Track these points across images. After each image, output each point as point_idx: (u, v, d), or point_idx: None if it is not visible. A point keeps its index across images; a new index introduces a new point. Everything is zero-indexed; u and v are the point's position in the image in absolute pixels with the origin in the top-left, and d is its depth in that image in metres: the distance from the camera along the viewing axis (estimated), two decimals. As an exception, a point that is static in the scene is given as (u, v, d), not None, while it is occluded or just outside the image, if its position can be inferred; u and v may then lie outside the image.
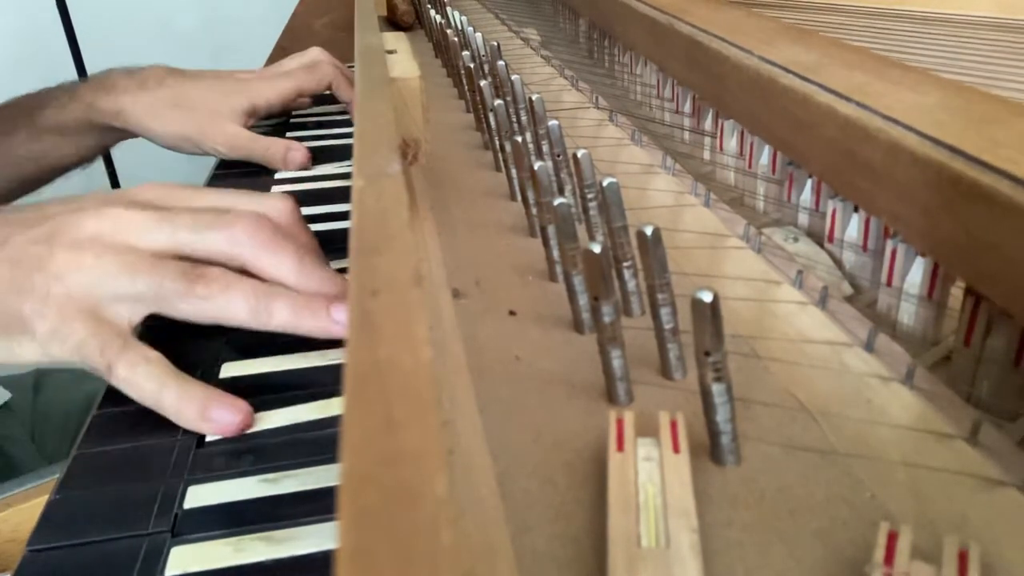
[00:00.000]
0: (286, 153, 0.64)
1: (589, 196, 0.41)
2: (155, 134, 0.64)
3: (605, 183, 0.35)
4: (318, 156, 0.69)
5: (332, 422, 0.36)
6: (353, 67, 0.91)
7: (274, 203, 0.41)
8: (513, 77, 0.52)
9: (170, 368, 0.36)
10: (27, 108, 0.66)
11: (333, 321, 0.37)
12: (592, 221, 0.41)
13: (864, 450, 0.29)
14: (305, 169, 0.65)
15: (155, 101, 0.63)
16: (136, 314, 0.36)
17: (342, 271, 0.41)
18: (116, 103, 0.63)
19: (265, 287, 0.37)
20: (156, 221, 0.37)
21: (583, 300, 0.36)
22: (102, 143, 0.69)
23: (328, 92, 0.73)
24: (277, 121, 0.78)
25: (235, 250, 0.37)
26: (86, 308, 0.35)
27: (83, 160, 0.71)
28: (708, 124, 0.55)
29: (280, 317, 0.37)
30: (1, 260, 0.35)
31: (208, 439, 0.36)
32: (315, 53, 0.73)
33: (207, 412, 0.35)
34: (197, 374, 0.40)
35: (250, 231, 0.37)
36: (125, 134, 0.67)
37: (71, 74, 1.66)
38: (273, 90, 0.66)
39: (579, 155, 0.39)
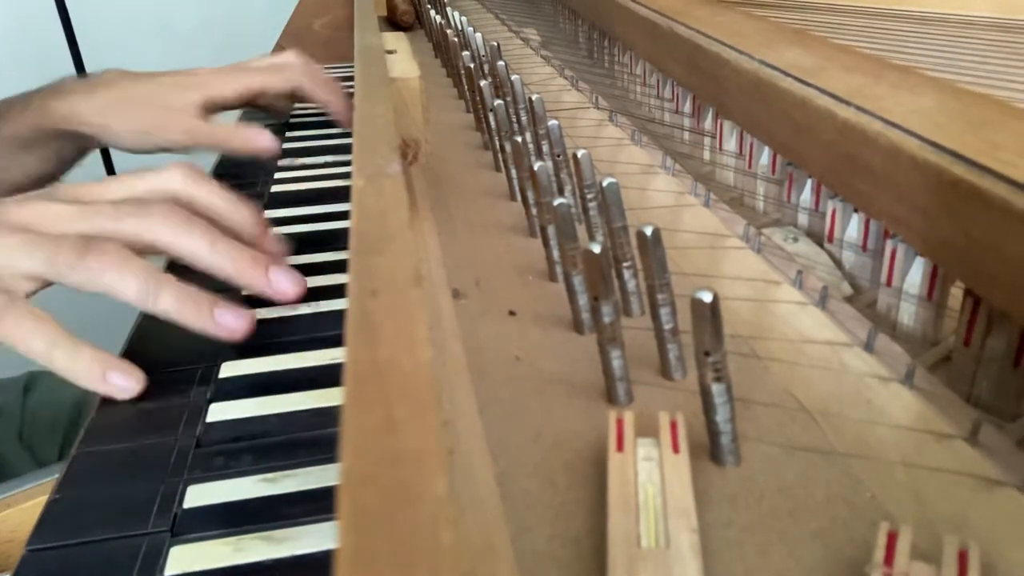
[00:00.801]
0: (249, 136, 0.61)
1: (589, 196, 0.41)
2: (111, 132, 0.62)
3: (605, 183, 0.35)
4: (319, 153, 0.69)
5: (332, 421, 0.36)
6: (330, 68, 0.91)
7: (176, 173, 0.43)
8: (513, 77, 0.52)
9: (61, 329, 0.38)
10: None
11: (215, 322, 0.39)
12: (592, 221, 0.41)
13: (864, 450, 0.29)
14: (274, 156, 0.63)
15: (108, 100, 0.61)
16: (32, 285, 0.39)
17: (340, 269, 0.41)
18: (68, 105, 0.61)
19: (158, 274, 0.39)
20: (77, 212, 0.40)
21: (583, 300, 0.36)
22: (61, 153, 0.66)
23: (299, 95, 0.70)
24: (277, 122, 0.78)
25: (151, 237, 0.40)
26: None
27: (48, 174, 0.67)
28: (708, 124, 0.55)
29: (164, 304, 0.39)
30: None
31: (208, 439, 0.36)
32: (287, 55, 0.70)
33: (108, 374, 0.38)
34: (197, 373, 0.40)
35: (163, 216, 0.40)
36: (84, 141, 0.64)
37: (70, 74, 1.66)
38: (229, 85, 0.64)
39: (579, 155, 0.39)
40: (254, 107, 0.72)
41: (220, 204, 0.43)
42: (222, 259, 0.40)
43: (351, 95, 0.64)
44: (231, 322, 0.39)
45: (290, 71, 0.67)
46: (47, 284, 0.39)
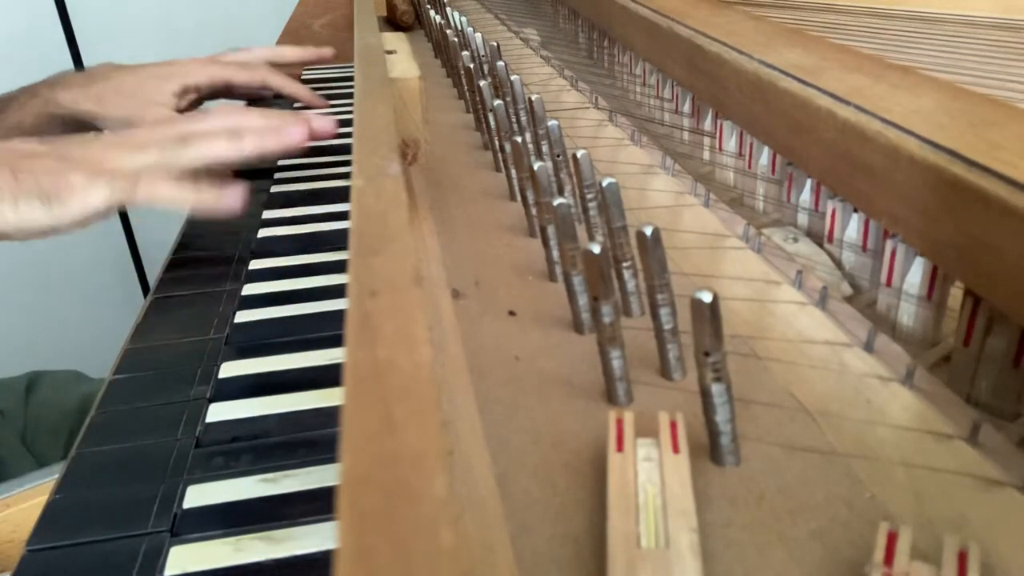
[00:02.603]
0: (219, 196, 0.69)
1: (589, 196, 0.41)
2: (104, 120, 0.69)
3: (605, 183, 0.35)
4: (319, 152, 0.69)
5: (332, 421, 0.36)
6: (330, 69, 0.92)
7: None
8: (513, 77, 0.52)
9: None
10: None
11: (288, 134, 0.52)
12: (592, 221, 0.41)
13: (864, 450, 0.29)
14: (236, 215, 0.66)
15: (103, 91, 0.69)
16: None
17: (340, 269, 0.42)
18: (70, 95, 0.69)
19: (238, 124, 0.51)
20: (164, 122, 0.53)
21: (583, 300, 0.36)
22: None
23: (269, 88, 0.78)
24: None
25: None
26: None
27: None
28: (708, 124, 0.55)
29: (249, 144, 0.50)
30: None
31: (208, 439, 0.36)
32: (254, 52, 0.79)
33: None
34: (197, 373, 0.40)
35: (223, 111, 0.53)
36: (83, 128, 0.70)
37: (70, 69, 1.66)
38: (203, 73, 0.73)
39: (578, 155, 0.39)
40: (231, 97, 0.79)
41: (265, 123, 0.52)
42: (275, 120, 0.52)
43: (351, 95, 0.65)
44: (296, 131, 0.52)
45: (257, 70, 0.76)
46: (162, 170, 0.48)
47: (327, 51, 0.82)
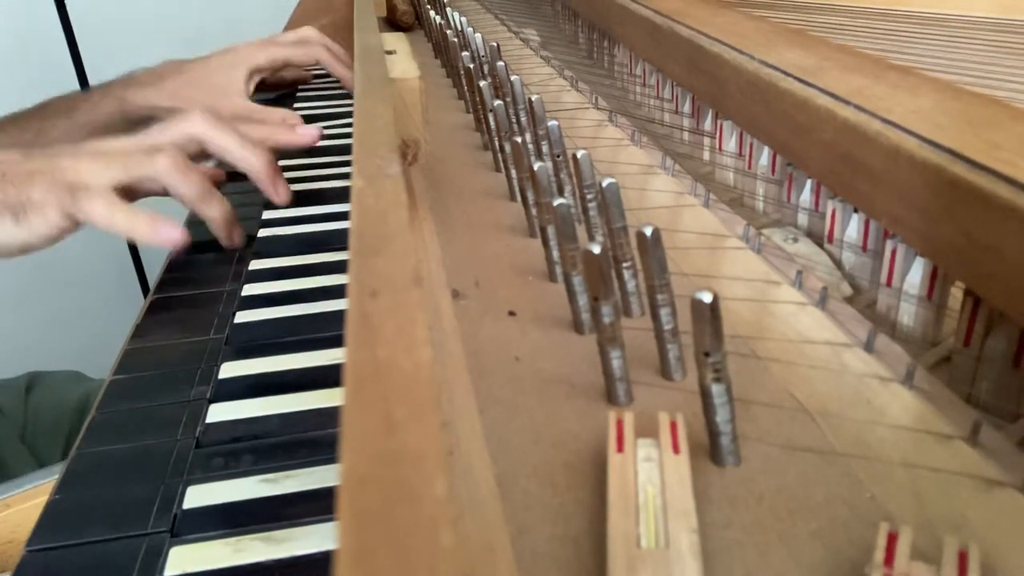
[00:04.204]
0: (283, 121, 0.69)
1: (589, 197, 0.41)
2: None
3: (604, 184, 0.35)
4: (319, 153, 0.69)
5: (332, 421, 0.36)
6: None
7: (195, 118, 0.53)
8: (513, 78, 0.52)
9: (123, 201, 0.47)
10: (63, 107, 0.72)
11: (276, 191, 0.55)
12: (592, 222, 0.41)
13: (864, 451, 0.29)
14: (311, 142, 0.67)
15: (175, 87, 0.71)
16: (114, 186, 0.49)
17: (340, 269, 0.42)
18: (143, 94, 0.70)
19: (210, 185, 0.51)
20: (136, 140, 0.52)
21: (583, 301, 0.36)
22: None
23: (319, 69, 0.81)
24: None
25: (194, 134, 0.53)
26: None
27: None
28: (708, 125, 0.55)
29: (213, 211, 0.51)
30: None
31: (208, 439, 0.36)
32: (306, 31, 0.80)
33: (158, 228, 0.47)
34: (197, 373, 0.40)
35: (202, 118, 0.53)
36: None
37: (69, 74, 1.66)
38: (264, 55, 0.74)
39: (578, 156, 0.39)
40: (272, 83, 0.82)
41: (231, 148, 0.53)
42: (250, 153, 0.53)
43: (351, 95, 0.65)
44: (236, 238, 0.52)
45: (312, 46, 0.78)
46: (123, 186, 0.48)
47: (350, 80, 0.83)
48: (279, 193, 0.55)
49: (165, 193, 0.50)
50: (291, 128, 0.60)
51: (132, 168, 0.48)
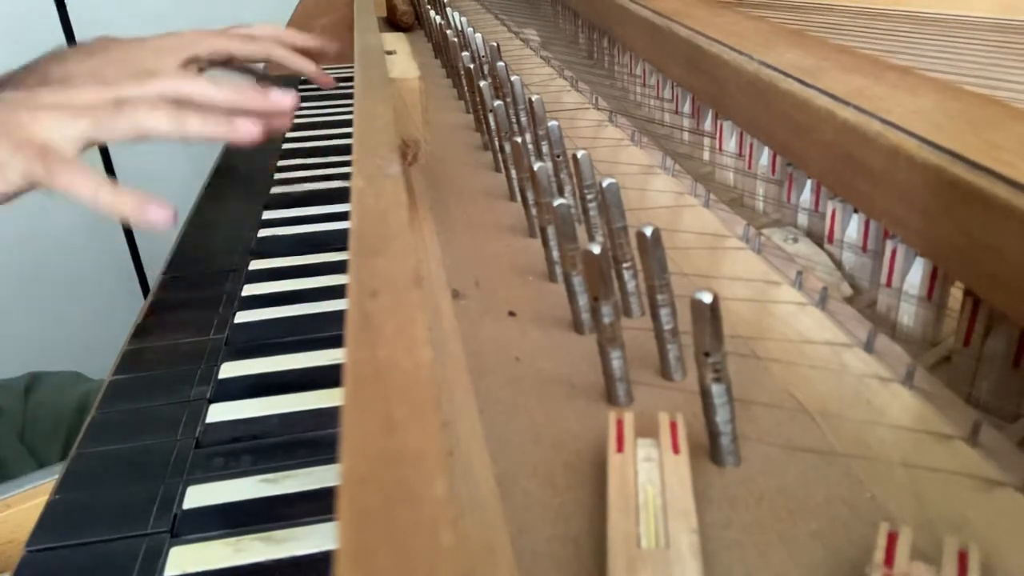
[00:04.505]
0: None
1: (589, 197, 0.41)
2: None
3: (605, 184, 0.35)
4: (319, 153, 0.69)
5: (332, 421, 0.36)
6: (330, 69, 0.92)
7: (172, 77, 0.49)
8: (513, 78, 0.52)
9: (106, 178, 0.44)
10: None
11: (236, 128, 0.46)
12: (592, 222, 0.41)
13: (864, 451, 0.29)
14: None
15: (100, 62, 0.67)
16: (79, 145, 0.45)
17: (340, 269, 0.42)
18: (64, 69, 0.66)
19: (180, 108, 0.46)
20: (103, 88, 0.47)
21: (583, 301, 0.36)
22: None
23: (271, 64, 0.75)
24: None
25: (167, 88, 0.47)
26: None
27: None
28: (708, 125, 0.55)
29: (193, 125, 0.45)
30: None
31: (208, 440, 0.36)
32: (261, 26, 0.76)
33: (146, 207, 0.43)
34: (197, 374, 0.40)
35: (174, 73, 0.50)
36: None
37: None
38: (204, 44, 0.70)
39: (578, 156, 0.39)
40: (230, 68, 0.76)
41: (215, 93, 0.48)
42: (227, 94, 0.48)
43: (351, 96, 0.65)
44: (250, 127, 0.45)
45: (263, 42, 0.72)
46: (91, 143, 0.45)
47: (332, 46, 0.78)
48: (258, 122, 0.47)
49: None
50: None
51: (100, 122, 0.44)
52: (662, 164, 0.50)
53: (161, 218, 0.43)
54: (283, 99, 0.49)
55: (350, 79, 0.89)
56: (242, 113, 0.47)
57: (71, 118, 0.44)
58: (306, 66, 0.73)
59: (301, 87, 0.93)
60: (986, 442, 0.26)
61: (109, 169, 1.73)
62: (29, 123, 0.43)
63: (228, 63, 0.73)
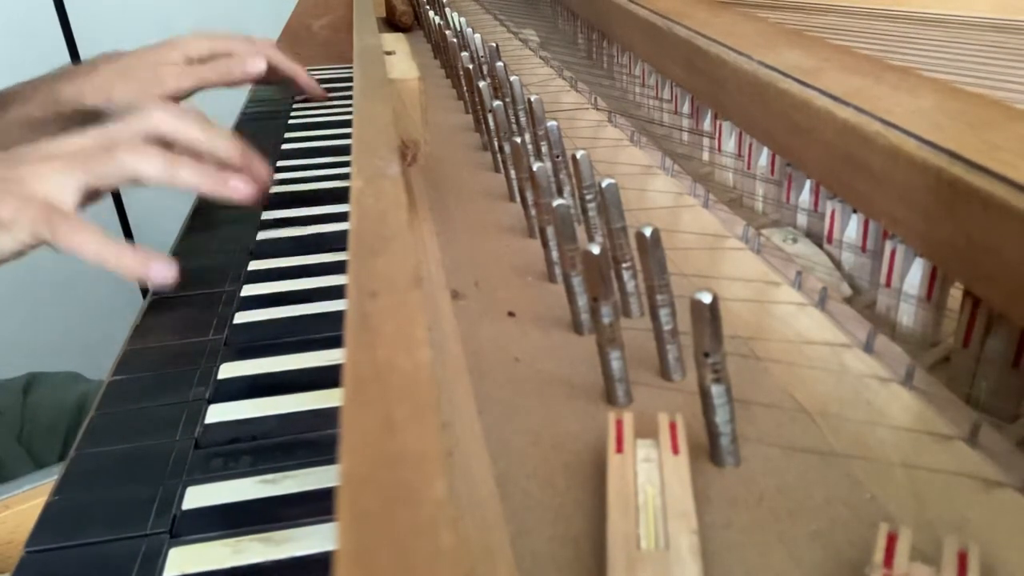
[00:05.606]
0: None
1: (588, 197, 0.41)
2: (112, 103, 0.67)
3: (604, 184, 0.35)
4: (318, 153, 0.69)
5: (331, 422, 0.36)
6: (329, 69, 0.91)
7: (154, 112, 0.50)
8: (512, 78, 0.52)
9: (109, 236, 0.44)
10: None
11: (228, 186, 0.47)
12: (591, 222, 0.41)
13: (863, 451, 0.29)
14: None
15: (107, 74, 0.68)
16: (77, 196, 0.46)
17: (340, 270, 0.42)
18: (74, 86, 0.68)
19: (174, 155, 0.47)
20: (92, 136, 0.48)
21: (582, 301, 0.36)
22: (68, 131, 0.71)
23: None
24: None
25: (156, 128, 0.48)
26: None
27: None
28: (707, 125, 0.55)
29: (184, 176, 0.46)
30: None
31: (207, 440, 0.36)
32: (259, 39, 0.76)
33: (150, 266, 0.44)
34: (196, 374, 0.40)
35: (163, 111, 0.49)
36: (89, 119, 0.68)
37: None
38: (204, 45, 0.71)
39: (578, 156, 0.39)
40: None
41: (199, 136, 0.49)
42: (215, 141, 0.49)
43: (351, 96, 0.65)
44: (242, 187, 0.47)
45: (259, 43, 0.73)
46: (91, 193, 0.46)
47: (320, 91, 0.80)
48: (250, 183, 0.48)
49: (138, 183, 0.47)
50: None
51: (94, 169, 0.45)
52: (661, 164, 0.50)
53: (163, 276, 0.44)
54: (260, 169, 0.50)
55: (349, 79, 0.89)
56: (225, 163, 0.49)
57: (68, 169, 0.45)
58: (301, 75, 0.75)
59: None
60: (986, 442, 0.26)
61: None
62: (30, 179, 0.45)
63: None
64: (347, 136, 0.76)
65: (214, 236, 0.56)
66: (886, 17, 0.77)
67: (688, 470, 0.27)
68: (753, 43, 0.46)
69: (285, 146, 0.73)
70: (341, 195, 0.61)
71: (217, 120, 0.55)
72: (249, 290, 0.48)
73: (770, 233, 0.44)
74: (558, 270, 0.41)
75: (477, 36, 0.61)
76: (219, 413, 0.37)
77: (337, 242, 0.53)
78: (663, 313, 0.32)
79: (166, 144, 0.48)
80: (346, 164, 0.68)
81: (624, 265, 0.37)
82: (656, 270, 0.32)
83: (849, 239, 0.40)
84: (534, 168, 0.38)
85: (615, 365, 0.32)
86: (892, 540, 0.24)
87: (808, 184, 0.44)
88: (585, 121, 0.61)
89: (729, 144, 0.52)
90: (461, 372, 0.34)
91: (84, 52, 1.74)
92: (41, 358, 1.00)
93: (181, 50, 0.70)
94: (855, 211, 0.40)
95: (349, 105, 0.80)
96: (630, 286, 0.38)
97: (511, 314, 0.39)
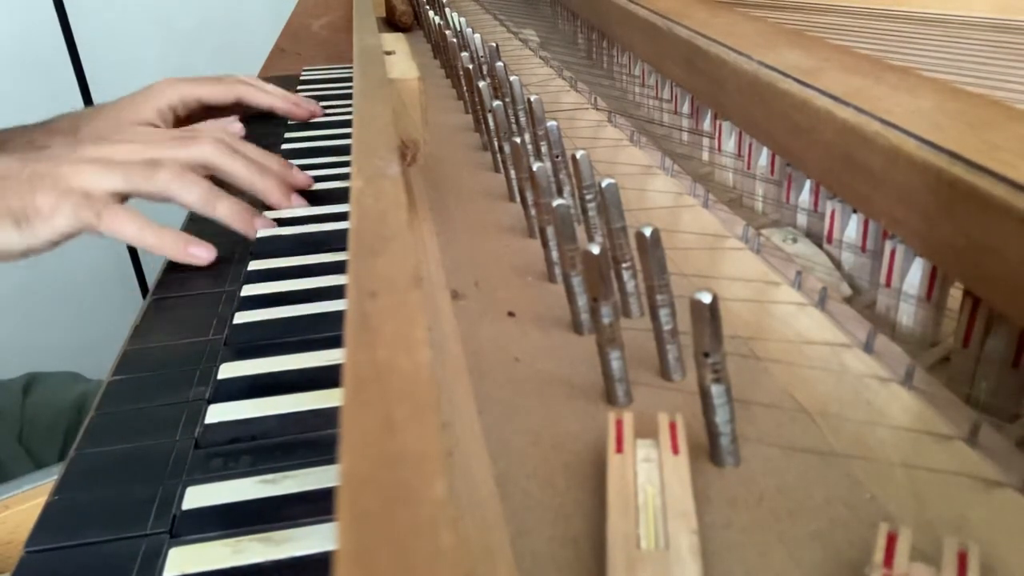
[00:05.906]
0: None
1: (588, 197, 0.41)
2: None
3: (604, 184, 0.35)
4: (318, 153, 0.69)
5: (331, 422, 0.36)
6: (329, 69, 0.91)
7: (207, 144, 0.53)
8: (512, 78, 0.52)
9: (148, 219, 0.48)
10: None
11: (255, 228, 0.52)
12: (591, 222, 0.41)
13: (863, 451, 0.29)
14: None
15: (87, 134, 0.66)
16: (115, 199, 0.49)
17: (340, 270, 0.42)
18: (94, 128, 0.67)
19: (215, 188, 0.50)
20: (141, 146, 0.52)
21: (582, 301, 0.36)
22: None
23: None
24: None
25: (202, 158, 0.52)
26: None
27: None
28: (707, 125, 0.55)
29: (221, 211, 0.50)
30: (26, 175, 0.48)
31: (207, 440, 0.36)
32: (227, 78, 0.74)
33: (188, 247, 0.49)
34: (196, 374, 0.40)
35: (212, 143, 0.53)
36: None
37: (69, 76, 1.66)
38: (174, 91, 0.71)
39: (578, 156, 0.39)
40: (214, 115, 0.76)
41: (244, 174, 0.54)
42: (254, 178, 0.54)
43: (350, 96, 0.65)
44: (261, 230, 0.51)
45: (229, 82, 0.73)
46: (123, 197, 0.49)
47: (302, 112, 0.78)
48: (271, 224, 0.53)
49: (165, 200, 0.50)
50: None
51: (133, 179, 0.48)
52: (661, 164, 0.50)
53: (203, 256, 0.49)
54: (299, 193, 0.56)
55: (349, 79, 0.89)
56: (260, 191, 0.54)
57: (108, 171, 0.48)
58: (278, 105, 0.75)
59: (301, 87, 0.92)
60: (985, 442, 0.26)
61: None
62: (70, 175, 0.48)
63: (207, 111, 0.73)
64: (347, 136, 0.76)
65: (214, 236, 0.56)
66: (886, 17, 0.77)
67: (688, 470, 0.27)
68: (753, 43, 0.46)
69: (285, 146, 0.72)
70: (341, 195, 0.61)
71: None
72: (249, 290, 0.48)
73: (770, 233, 0.44)
74: (558, 270, 0.41)
75: (477, 36, 0.61)
76: (219, 413, 0.37)
77: (337, 242, 0.53)
78: (663, 313, 0.32)
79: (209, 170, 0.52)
80: (346, 164, 0.68)
81: (624, 265, 0.37)
82: (656, 270, 0.32)
83: (849, 239, 0.40)
84: (534, 168, 0.38)
85: (615, 365, 0.32)
86: (892, 540, 0.24)
87: (808, 184, 0.44)
88: (585, 121, 0.61)
89: (729, 144, 0.52)
90: (461, 372, 0.34)
91: (84, 53, 1.74)
92: (41, 358, 1.00)
93: (154, 101, 0.70)
94: (855, 211, 0.40)
95: (349, 105, 0.80)
96: (630, 286, 0.38)
97: (511, 314, 0.39)
